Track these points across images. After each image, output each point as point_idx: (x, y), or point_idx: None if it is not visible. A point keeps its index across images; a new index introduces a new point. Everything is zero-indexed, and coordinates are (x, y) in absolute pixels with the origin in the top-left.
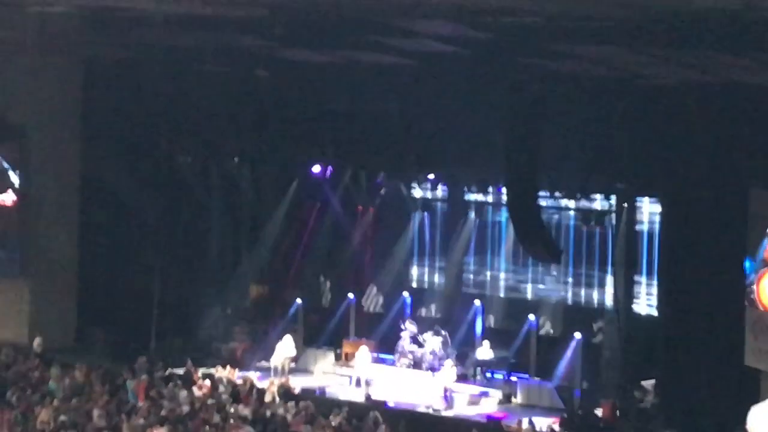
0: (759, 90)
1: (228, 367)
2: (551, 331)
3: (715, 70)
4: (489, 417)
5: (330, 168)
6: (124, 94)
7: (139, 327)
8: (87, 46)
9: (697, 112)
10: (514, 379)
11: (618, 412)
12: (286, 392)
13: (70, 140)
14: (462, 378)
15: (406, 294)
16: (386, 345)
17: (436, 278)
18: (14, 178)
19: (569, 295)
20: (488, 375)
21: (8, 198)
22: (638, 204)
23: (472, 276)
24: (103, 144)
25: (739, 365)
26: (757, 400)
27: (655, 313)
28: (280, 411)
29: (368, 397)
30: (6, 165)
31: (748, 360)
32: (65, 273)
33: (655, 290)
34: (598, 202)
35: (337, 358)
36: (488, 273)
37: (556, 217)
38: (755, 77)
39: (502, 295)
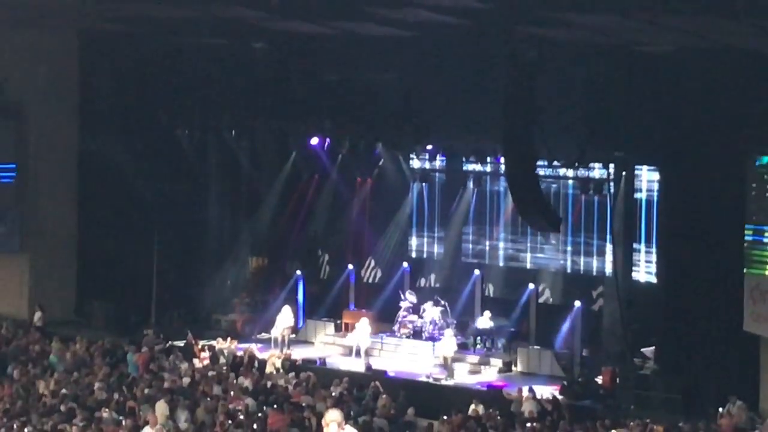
0: (756, 55)
1: (228, 338)
2: (551, 300)
3: (713, 35)
4: (489, 386)
5: (328, 140)
6: (121, 67)
7: (139, 300)
8: (83, 20)
9: (694, 79)
10: None
11: (618, 379)
12: (288, 364)
13: (68, 115)
14: (462, 347)
15: (405, 264)
16: (386, 315)
17: (435, 248)
18: (13, 154)
19: (568, 263)
20: (488, 344)
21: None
22: (637, 172)
23: (471, 246)
24: (100, 118)
25: (737, 331)
26: (756, 365)
27: (654, 280)
28: (281, 382)
29: (368, 367)
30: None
31: (747, 326)
32: (64, 247)
33: (654, 258)
34: (597, 171)
35: (338, 329)
36: (487, 242)
37: (554, 186)
38: (753, 42)
39: (501, 264)
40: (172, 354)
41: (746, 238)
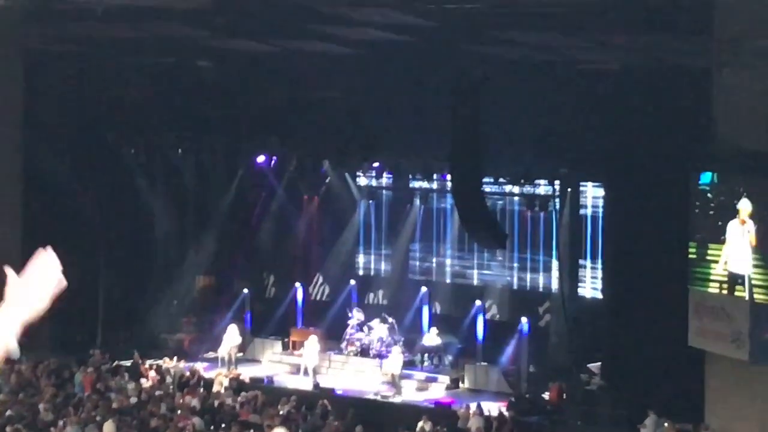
0: (699, 73)
1: (175, 358)
2: (497, 316)
3: (656, 54)
4: (437, 402)
5: (274, 158)
6: (66, 87)
7: (85, 320)
8: (27, 40)
9: (638, 97)
10: None
11: (565, 394)
12: (236, 383)
13: (12, 134)
14: (410, 364)
15: (352, 282)
16: (334, 333)
17: (383, 265)
18: None
19: (515, 280)
20: (436, 361)
21: None
22: (582, 189)
23: (418, 263)
24: (45, 137)
25: (682, 346)
26: (701, 379)
27: (599, 296)
28: (229, 401)
29: (316, 385)
30: None
31: (692, 340)
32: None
33: (599, 273)
34: (542, 188)
35: (285, 347)
36: (434, 259)
37: (500, 202)
38: (696, 60)
39: (448, 281)
40: (119, 374)
41: (690, 255)
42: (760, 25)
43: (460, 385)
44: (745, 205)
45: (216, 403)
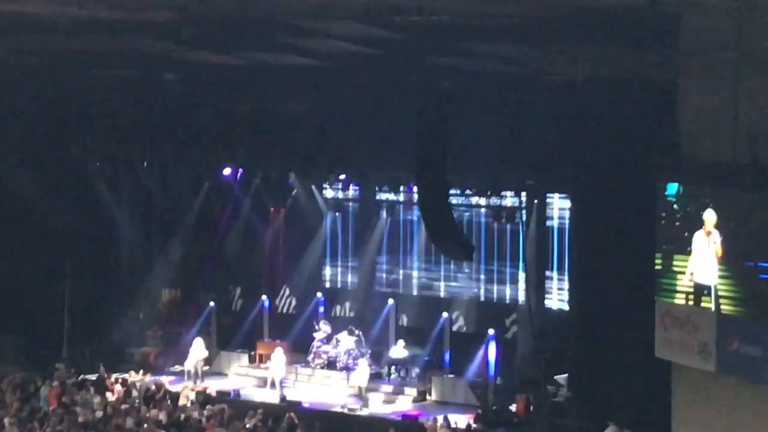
0: (665, 85)
1: (141, 371)
2: (465, 328)
3: (622, 65)
4: (404, 415)
5: (240, 170)
6: (30, 100)
7: (50, 334)
8: None
9: (604, 108)
10: None
11: (532, 406)
12: (203, 397)
13: None
14: (377, 377)
15: (319, 294)
16: (301, 346)
17: (350, 278)
18: None
19: (482, 292)
20: (403, 373)
21: None
22: (548, 200)
23: (385, 275)
24: (9, 150)
25: (649, 357)
26: (668, 390)
27: (566, 307)
28: (195, 414)
29: (283, 398)
30: None
31: (659, 352)
32: None
33: (566, 285)
34: (509, 199)
35: (251, 360)
36: (401, 271)
37: (467, 214)
38: (661, 72)
39: (415, 293)
40: (85, 388)
41: (656, 266)
42: (724, 37)
43: (427, 397)
44: (710, 216)
45: (182, 416)
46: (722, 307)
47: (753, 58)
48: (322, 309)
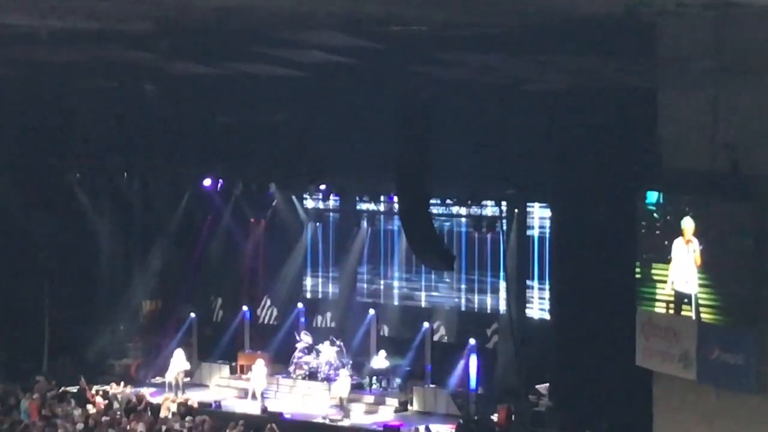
0: (644, 93)
1: (122, 383)
2: (446, 338)
3: (601, 74)
4: (386, 425)
5: (221, 181)
6: (10, 111)
7: (31, 346)
8: None
9: (584, 117)
10: None
11: (513, 416)
12: (184, 409)
13: None
14: (358, 387)
15: (300, 305)
16: (282, 356)
17: (330, 288)
18: None
19: (463, 301)
20: (384, 384)
21: None
22: (529, 209)
23: (365, 285)
24: None
25: (630, 366)
26: (649, 399)
27: (547, 317)
28: (176, 426)
29: (264, 410)
30: None
31: (640, 361)
32: None
33: (547, 294)
34: (489, 209)
35: (233, 371)
36: (382, 282)
37: (447, 224)
38: (640, 81)
39: (396, 303)
40: (65, 400)
41: (636, 274)
42: (703, 46)
43: (409, 407)
44: (688, 224)
45: (163, 428)
46: (703, 315)
47: (732, 66)
48: (303, 319)
